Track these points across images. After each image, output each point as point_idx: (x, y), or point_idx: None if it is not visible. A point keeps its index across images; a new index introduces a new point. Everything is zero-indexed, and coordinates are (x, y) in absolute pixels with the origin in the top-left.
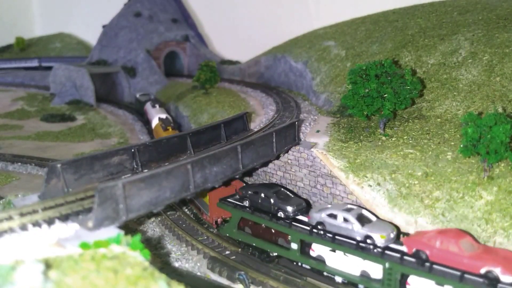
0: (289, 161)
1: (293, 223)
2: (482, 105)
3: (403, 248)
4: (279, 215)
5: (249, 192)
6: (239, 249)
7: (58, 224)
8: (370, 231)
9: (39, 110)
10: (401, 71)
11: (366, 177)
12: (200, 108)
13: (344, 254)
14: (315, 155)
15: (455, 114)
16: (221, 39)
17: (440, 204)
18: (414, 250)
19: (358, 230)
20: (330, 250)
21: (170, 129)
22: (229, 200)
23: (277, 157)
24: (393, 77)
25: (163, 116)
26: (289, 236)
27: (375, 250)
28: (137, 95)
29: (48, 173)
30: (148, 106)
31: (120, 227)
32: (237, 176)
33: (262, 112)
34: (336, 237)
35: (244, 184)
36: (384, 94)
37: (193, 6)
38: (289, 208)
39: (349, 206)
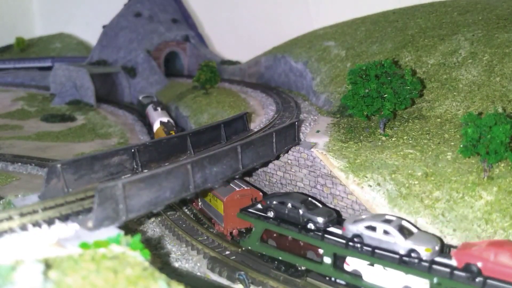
0: (289, 161)
1: (326, 235)
2: (482, 105)
3: (451, 262)
4: (309, 226)
5: (274, 202)
6: (239, 250)
7: (58, 224)
8: (415, 244)
9: (39, 110)
10: (401, 71)
11: (366, 177)
12: (200, 108)
13: (384, 268)
14: (315, 155)
15: (455, 114)
16: (221, 39)
17: (440, 204)
18: (464, 263)
19: (401, 243)
20: (368, 264)
21: (173, 134)
22: (250, 210)
23: (277, 157)
24: (393, 77)
25: (165, 119)
26: (320, 249)
27: (421, 264)
28: (140, 97)
29: (48, 173)
30: (149, 109)
31: (120, 227)
32: (238, 176)
33: (262, 112)
34: (376, 250)
35: (261, 193)
36: (384, 94)
37: (193, 6)
38: (320, 219)
39: (387, 217)
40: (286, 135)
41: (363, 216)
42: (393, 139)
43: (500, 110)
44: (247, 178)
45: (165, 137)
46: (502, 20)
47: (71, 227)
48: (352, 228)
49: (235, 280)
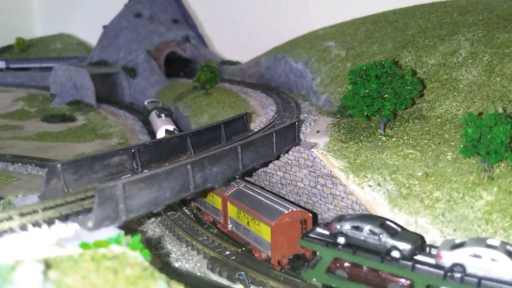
0: (289, 161)
1: (417, 264)
2: (482, 105)
3: None
4: (393, 254)
5: (347, 226)
6: (239, 250)
7: (58, 224)
8: None
9: (39, 111)
10: (401, 72)
11: (366, 177)
12: (200, 108)
13: None
14: (315, 156)
15: (455, 114)
16: (221, 40)
17: (440, 205)
18: None
19: None
20: None
21: None
22: (313, 236)
23: (277, 158)
24: (393, 77)
25: (170, 128)
26: (405, 280)
27: None
28: (145, 102)
29: (48, 173)
30: (153, 115)
31: (120, 227)
32: (238, 176)
33: (262, 113)
34: (482, 281)
35: (310, 214)
36: (384, 95)
37: (194, 6)
38: (407, 246)
39: (489, 241)
40: (286, 135)
41: (458, 241)
42: (393, 139)
43: (500, 110)
44: (247, 178)
45: (165, 137)
46: (503, 20)
47: (71, 227)
48: (452, 256)
49: (235, 280)
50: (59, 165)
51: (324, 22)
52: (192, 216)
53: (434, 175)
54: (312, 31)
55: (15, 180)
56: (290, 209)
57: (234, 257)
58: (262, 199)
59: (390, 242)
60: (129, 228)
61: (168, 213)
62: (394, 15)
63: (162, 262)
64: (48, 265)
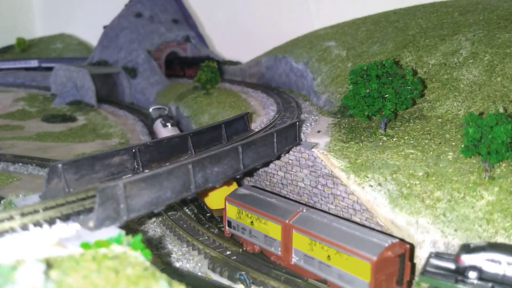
0: (290, 161)
1: None
2: (483, 105)
3: None
4: None
5: (479, 259)
6: (240, 250)
7: (59, 224)
8: None
9: (40, 111)
10: (402, 71)
11: (367, 177)
12: (201, 108)
13: None
14: (316, 155)
15: (456, 114)
16: (221, 40)
17: (441, 204)
18: None
19: None
20: None
21: None
22: (433, 271)
23: (278, 157)
24: (394, 77)
25: None
26: None
27: None
28: (150, 109)
29: (49, 173)
30: (157, 125)
31: (121, 227)
32: (239, 176)
33: (263, 113)
34: None
35: (408, 245)
36: (385, 95)
37: (194, 6)
38: None
39: None
40: (287, 135)
41: None
42: (394, 139)
43: (501, 110)
44: (248, 178)
45: (166, 137)
46: (503, 20)
47: (72, 227)
48: None
49: (236, 280)
50: (60, 165)
51: (324, 22)
52: (192, 216)
53: (435, 175)
54: (312, 31)
55: (16, 180)
56: (390, 241)
57: (235, 257)
58: (345, 228)
59: None
60: (130, 228)
61: (169, 213)
62: (394, 15)
63: (163, 262)
64: (49, 264)
